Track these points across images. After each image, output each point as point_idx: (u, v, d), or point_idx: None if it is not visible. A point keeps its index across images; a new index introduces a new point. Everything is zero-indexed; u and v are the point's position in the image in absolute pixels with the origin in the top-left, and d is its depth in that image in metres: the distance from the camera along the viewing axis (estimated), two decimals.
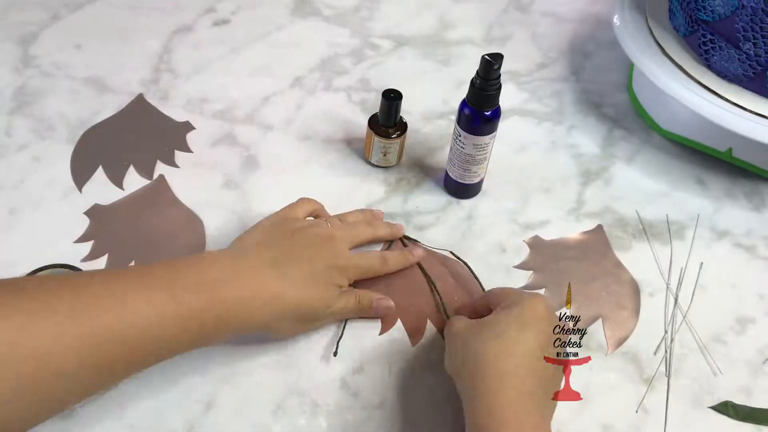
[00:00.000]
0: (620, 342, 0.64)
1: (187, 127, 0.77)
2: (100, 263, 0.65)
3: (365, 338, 0.62)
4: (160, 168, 0.73)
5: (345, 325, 0.62)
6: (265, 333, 0.58)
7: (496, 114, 0.66)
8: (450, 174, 0.72)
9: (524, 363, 0.52)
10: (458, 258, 0.68)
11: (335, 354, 0.61)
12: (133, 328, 0.48)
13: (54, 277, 0.51)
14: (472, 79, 0.64)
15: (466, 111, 0.66)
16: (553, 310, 0.56)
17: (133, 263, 0.65)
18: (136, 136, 0.76)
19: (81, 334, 0.46)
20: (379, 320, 0.63)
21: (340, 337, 0.62)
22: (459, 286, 0.66)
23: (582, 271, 0.68)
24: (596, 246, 0.71)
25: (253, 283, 0.55)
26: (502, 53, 0.62)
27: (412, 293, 0.65)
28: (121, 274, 0.52)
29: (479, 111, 0.65)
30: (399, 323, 0.63)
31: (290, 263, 0.57)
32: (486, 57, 0.61)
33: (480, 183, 0.73)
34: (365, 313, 0.62)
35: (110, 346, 0.47)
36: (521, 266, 0.69)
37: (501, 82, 0.64)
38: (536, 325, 0.54)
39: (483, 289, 0.66)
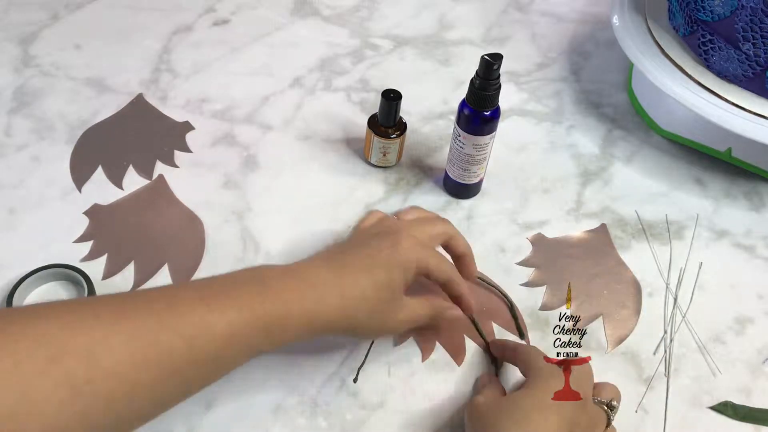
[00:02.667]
0: (620, 340, 0.64)
1: (187, 127, 0.77)
2: (100, 263, 0.65)
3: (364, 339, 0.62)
4: (160, 168, 0.73)
5: (370, 349, 0.61)
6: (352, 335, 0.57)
7: (496, 114, 0.66)
8: (449, 174, 0.72)
9: None
10: (503, 295, 0.66)
11: (355, 380, 0.59)
12: (200, 339, 0.46)
13: (120, 294, 0.49)
14: (472, 79, 0.64)
15: (466, 111, 0.66)
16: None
17: (132, 263, 0.65)
18: (135, 136, 0.76)
19: (153, 347, 0.44)
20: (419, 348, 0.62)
21: (363, 363, 0.60)
22: (491, 317, 0.65)
23: (583, 269, 0.69)
24: (599, 244, 0.71)
25: (304, 275, 0.53)
26: (502, 53, 0.62)
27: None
28: (188, 287, 0.50)
29: (479, 111, 0.65)
30: (439, 346, 0.62)
31: (344, 253, 0.56)
32: (485, 57, 0.61)
33: (479, 183, 0.73)
34: (436, 321, 0.60)
35: (181, 358, 0.45)
36: (523, 263, 0.69)
37: (500, 82, 0.64)
38: (559, 407, 0.51)
39: (519, 328, 0.64)
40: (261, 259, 0.67)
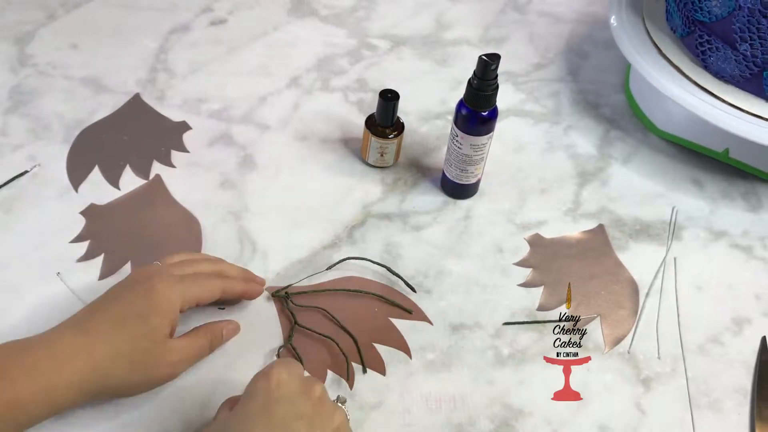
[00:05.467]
0: (618, 341, 0.64)
1: (184, 126, 0.77)
2: (96, 263, 0.65)
3: None
4: (157, 168, 0.73)
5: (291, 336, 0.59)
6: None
7: (494, 114, 0.66)
8: (447, 174, 0.72)
9: None
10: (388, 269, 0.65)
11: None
12: None
13: None
14: (470, 80, 0.64)
15: (464, 111, 0.66)
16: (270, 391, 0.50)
17: (129, 264, 0.65)
18: (132, 135, 0.76)
19: None
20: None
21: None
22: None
23: (581, 270, 0.69)
24: (596, 245, 0.71)
25: (42, 345, 0.51)
26: (499, 54, 0.62)
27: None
28: None
29: (476, 111, 0.65)
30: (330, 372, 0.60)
31: (95, 311, 0.54)
32: (483, 57, 0.61)
33: (477, 183, 0.73)
34: (218, 346, 0.59)
35: None
36: (521, 263, 0.69)
37: (498, 82, 0.64)
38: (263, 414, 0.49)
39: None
40: (258, 259, 0.67)
